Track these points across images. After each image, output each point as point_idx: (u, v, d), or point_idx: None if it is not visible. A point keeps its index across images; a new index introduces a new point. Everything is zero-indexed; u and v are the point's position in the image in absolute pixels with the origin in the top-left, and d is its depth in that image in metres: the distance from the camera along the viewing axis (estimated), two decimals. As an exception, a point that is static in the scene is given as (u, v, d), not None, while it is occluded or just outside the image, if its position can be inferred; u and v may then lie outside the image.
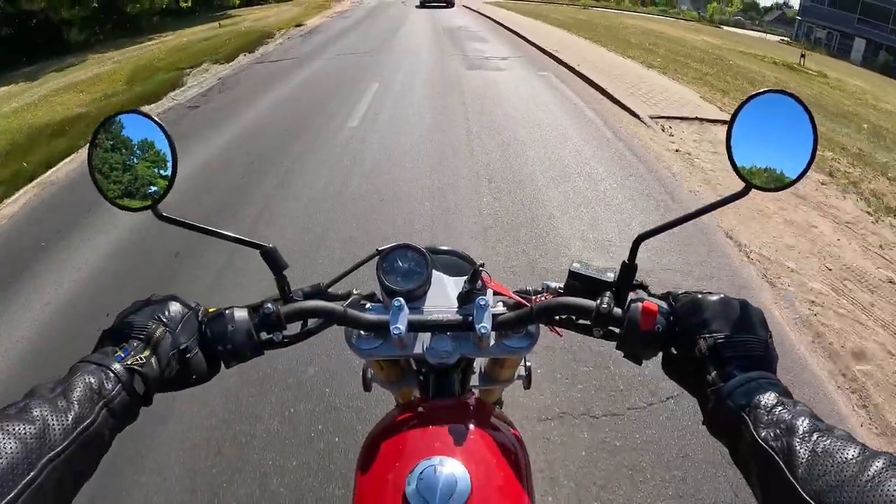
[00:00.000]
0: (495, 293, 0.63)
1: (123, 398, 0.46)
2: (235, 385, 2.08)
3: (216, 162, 4.67)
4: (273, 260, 0.60)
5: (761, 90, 0.54)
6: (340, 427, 1.91)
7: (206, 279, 2.86)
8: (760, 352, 0.49)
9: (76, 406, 0.42)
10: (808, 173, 0.54)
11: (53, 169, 4.95)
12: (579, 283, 0.61)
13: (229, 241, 0.59)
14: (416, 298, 0.63)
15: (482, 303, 0.58)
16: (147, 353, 0.49)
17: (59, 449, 0.39)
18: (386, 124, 5.54)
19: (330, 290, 0.66)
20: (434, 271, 0.65)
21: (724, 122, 5.51)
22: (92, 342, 0.50)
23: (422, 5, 22.09)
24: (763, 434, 0.41)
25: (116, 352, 0.48)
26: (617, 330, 0.56)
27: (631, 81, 7.53)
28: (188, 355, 0.53)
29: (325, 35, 13.19)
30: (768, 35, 35.44)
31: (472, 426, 0.59)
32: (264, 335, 0.57)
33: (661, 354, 0.55)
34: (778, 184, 0.55)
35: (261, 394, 2.07)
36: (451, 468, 0.51)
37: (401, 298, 0.59)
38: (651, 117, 5.78)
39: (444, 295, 0.65)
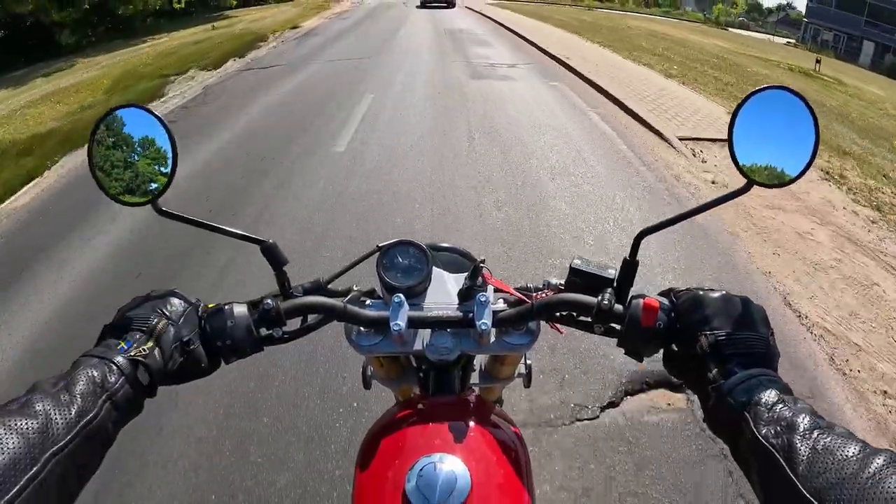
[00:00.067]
0: (496, 290, 0.63)
1: (127, 391, 0.46)
2: None
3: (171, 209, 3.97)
4: (273, 256, 0.60)
5: (762, 86, 0.54)
6: None
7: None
8: (762, 349, 0.49)
9: (79, 399, 0.42)
10: (809, 170, 0.54)
11: (11, 199, 4.43)
12: (580, 279, 0.60)
13: (229, 236, 0.59)
14: (416, 295, 0.63)
15: (483, 299, 0.58)
16: (150, 344, 0.49)
17: (62, 443, 0.39)
18: (377, 149, 4.88)
19: (330, 286, 0.66)
20: (434, 268, 0.65)
21: None
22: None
23: (422, 5, 22.11)
24: (764, 431, 0.41)
25: (119, 344, 0.48)
26: (618, 327, 0.56)
27: (651, 94, 6.91)
28: (190, 348, 0.52)
29: (321, 38, 12.84)
30: (774, 37, 34.75)
31: (472, 423, 0.59)
32: (264, 331, 0.57)
33: (662, 351, 0.55)
34: (780, 181, 0.55)
35: None
36: (451, 465, 0.51)
37: (401, 295, 0.58)
38: (680, 139, 5.12)
39: (444, 291, 0.65)
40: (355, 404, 2.05)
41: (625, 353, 0.57)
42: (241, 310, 0.56)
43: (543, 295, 0.61)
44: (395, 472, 0.53)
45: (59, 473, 0.38)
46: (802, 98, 0.53)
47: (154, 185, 0.57)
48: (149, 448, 1.90)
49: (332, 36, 13.19)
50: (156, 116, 0.56)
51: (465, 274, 0.64)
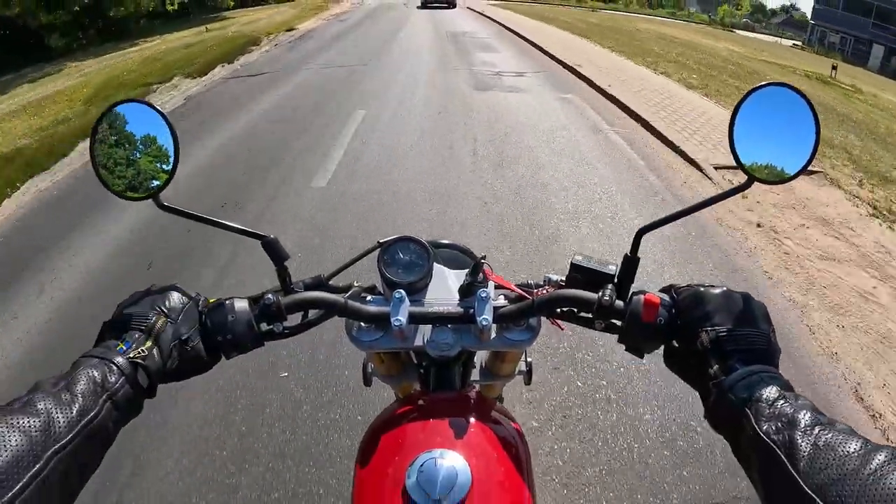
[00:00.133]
0: (497, 286, 0.64)
1: (127, 391, 0.46)
2: None
3: (109, 270, 3.21)
4: (274, 251, 0.61)
5: (762, 83, 0.54)
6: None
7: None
8: (762, 345, 0.49)
9: (80, 399, 0.43)
10: (810, 165, 0.54)
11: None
12: (581, 275, 0.61)
13: (230, 231, 0.60)
14: (417, 291, 0.64)
15: (483, 295, 0.58)
16: (149, 344, 0.50)
17: (64, 441, 0.40)
18: (365, 185, 4.13)
19: (331, 282, 0.66)
20: (435, 264, 0.66)
21: (805, 173, 4.52)
22: None
23: (423, 6, 22.22)
24: (765, 428, 0.42)
25: (118, 345, 0.49)
26: (619, 323, 0.56)
27: (673, 108, 6.27)
28: (189, 346, 0.53)
29: (316, 42, 12.43)
30: (781, 39, 34.02)
31: (472, 419, 0.60)
32: (265, 326, 0.57)
33: (663, 347, 0.56)
34: (781, 177, 0.55)
35: None
36: (452, 461, 0.51)
37: (402, 290, 0.59)
38: (715, 168, 4.42)
39: (445, 287, 0.65)
40: None
41: (626, 350, 0.58)
42: (241, 305, 0.56)
43: (544, 291, 0.62)
44: (396, 468, 0.53)
45: (61, 471, 0.39)
46: (802, 95, 0.54)
47: (156, 182, 0.58)
48: None
49: (327, 39, 12.81)
50: (157, 111, 0.57)
51: (466, 270, 0.64)
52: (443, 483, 0.49)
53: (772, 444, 0.40)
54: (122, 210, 3.70)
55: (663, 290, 0.57)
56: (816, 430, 0.39)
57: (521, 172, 4.35)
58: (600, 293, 0.56)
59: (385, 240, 0.65)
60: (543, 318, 0.63)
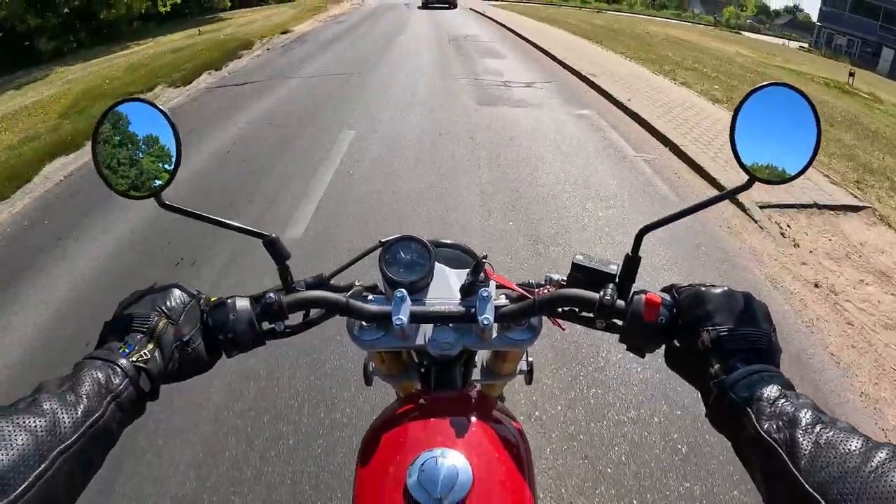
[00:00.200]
0: (498, 285, 0.65)
1: (131, 393, 0.47)
2: None
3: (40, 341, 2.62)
4: (275, 250, 0.61)
5: (763, 83, 0.55)
6: None
7: None
8: (763, 345, 0.50)
9: (85, 400, 0.43)
10: (811, 166, 0.55)
11: None
12: (582, 275, 0.61)
13: (232, 230, 0.61)
14: (418, 290, 0.64)
15: (485, 294, 0.59)
16: (151, 346, 0.50)
17: (69, 441, 0.40)
18: (349, 232, 3.46)
19: (332, 281, 0.67)
20: (437, 263, 0.66)
21: (852, 208, 4.19)
22: None
23: (424, 6, 22.37)
24: (766, 426, 0.42)
25: (121, 347, 0.49)
26: (620, 322, 0.57)
27: (705, 129, 5.76)
28: (190, 348, 0.53)
29: (310, 46, 12.04)
30: (787, 42, 33.31)
31: (473, 418, 0.60)
32: (266, 325, 0.58)
33: (664, 347, 0.57)
34: (782, 178, 0.56)
35: None
36: (453, 460, 0.51)
37: (403, 290, 0.59)
38: (761, 207, 3.77)
39: (446, 287, 0.65)
40: None
41: (627, 349, 0.58)
42: (243, 304, 0.57)
43: (545, 290, 0.62)
44: (397, 467, 0.53)
45: (66, 471, 0.39)
46: (803, 94, 0.54)
47: (158, 181, 0.59)
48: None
49: (322, 43, 12.47)
50: (159, 109, 0.58)
51: (468, 270, 0.64)
52: (444, 482, 0.49)
53: (773, 442, 0.40)
54: (84, 258, 3.23)
55: (664, 290, 0.58)
56: (817, 428, 0.40)
57: (538, 215, 3.68)
58: (601, 293, 0.57)
59: (386, 239, 0.66)
60: (544, 318, 0.64)
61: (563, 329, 0.63)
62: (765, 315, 0.51)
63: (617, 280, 0.59)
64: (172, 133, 0.57)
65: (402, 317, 0.56)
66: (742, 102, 0.53)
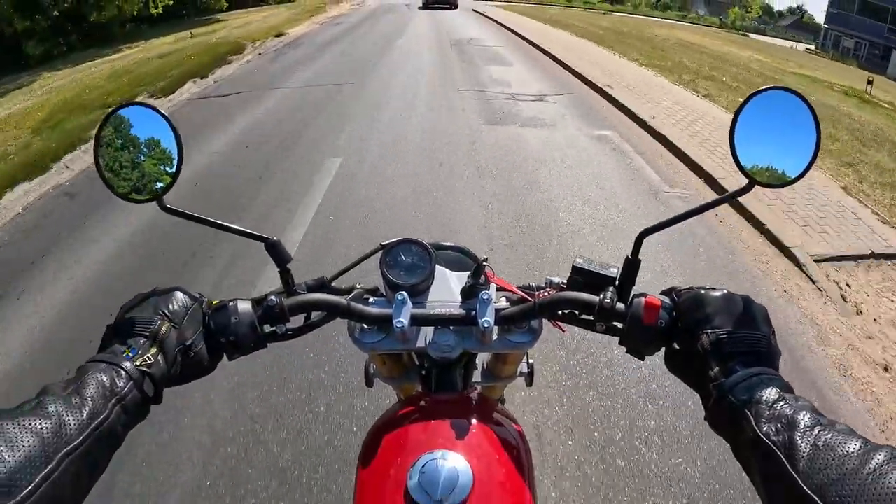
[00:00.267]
0: (498, 288, 0.65)
1: (135, 396, 0.47)
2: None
3: None
4: (277, 253, 0.62)
5: (764, 87, 0.55)
6: None
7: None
8: (763, 348, 0.50)
9: (90, 402, 0.43)
10: (811, 170, 0.55)
11: None
12: (582, 278, 0.61)
13: (233, 233, 0.61)
14: (419, 293, 0.65)
15: (485, 297, 0.59)
16: (154, 350, 0.50)
17: (75, 443, 0.40)
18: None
19: (333, 283, 0.68)
20: (437, 266, 0.67)
21: None
22: None
23: (424, 6, 22.31)
24: (764, 429, 0.42)
25: (124, 351, 0.49)
26: (620, 325, 0.57)
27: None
28: (192, 351, 0.54)
29: (304, 50, 11.55)
30: (795, 44, 32.71)
31: (474, 421, 0.60)
32: (268, 328, 0.59)
33: (663, 350, 0.57)
34: (782, 181, 0.56)
35: None
36: (454, 462, 0.52)
37: (404, 292, 0.60)
38: (816, 261, 3.43)
39: (447, 289, 0.66)
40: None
41: (626, 352, 0.59)
42: (245, 306, 0.57)
43: (546, 293, 0.63)
44: (398, 469, 0.53)
45: (72, 473, 0.40)
46: (803, 98, 0.54)
47: (160, 185, 0.60)
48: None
49: (317, 47, 12.04)
50: (160, 113, 0.59)
51: (468, 272, 0.65)
52: (444, 484, 0.49)
53: (772, 445, 0.41)
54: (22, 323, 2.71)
55: (664, 293, 0.59)
56: (816, 430, 0.40)
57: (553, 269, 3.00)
58: (601, 295, 0.57)
59: (387, 242, 0.67)
60: (545, 320, 0.64)
61: (564, 331, 0.64)
62: (764, 318, 0.52)
63: (617, 283, 0.60)
64: (174, 136, 0.58)
65: (403, 319, 0.57)
66: (742, 106, 0.54)
